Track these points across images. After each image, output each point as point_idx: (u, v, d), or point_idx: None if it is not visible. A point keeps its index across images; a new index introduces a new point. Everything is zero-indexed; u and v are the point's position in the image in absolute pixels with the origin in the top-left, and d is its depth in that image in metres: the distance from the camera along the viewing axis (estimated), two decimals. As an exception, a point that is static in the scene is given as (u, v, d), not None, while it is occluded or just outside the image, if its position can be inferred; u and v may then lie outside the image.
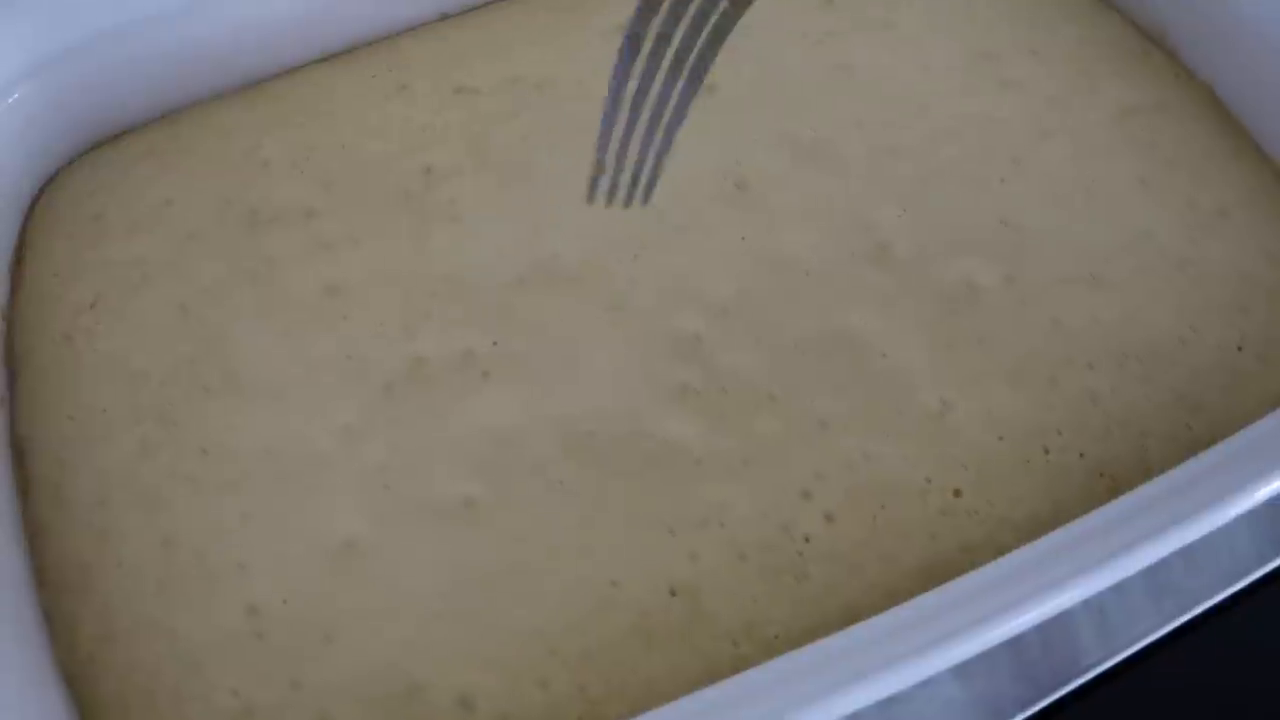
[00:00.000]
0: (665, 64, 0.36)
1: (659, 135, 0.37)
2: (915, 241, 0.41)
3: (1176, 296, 0.39)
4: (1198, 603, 0.41)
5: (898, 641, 0.30)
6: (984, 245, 0.41)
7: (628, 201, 0.38)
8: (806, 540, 0.36)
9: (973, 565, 0.33)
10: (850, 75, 0.46)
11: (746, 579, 0.35)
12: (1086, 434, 0.37)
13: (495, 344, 0.39)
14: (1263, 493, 0.32)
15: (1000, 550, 0.34)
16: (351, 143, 0.45)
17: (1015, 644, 0.39)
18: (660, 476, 0.37)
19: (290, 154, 0.45)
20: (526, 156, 0.44)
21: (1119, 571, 0.31)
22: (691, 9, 0.35)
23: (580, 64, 0.47)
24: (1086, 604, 0.33)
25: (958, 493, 0.36)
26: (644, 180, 0.38)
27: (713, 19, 0.36)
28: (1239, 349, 0.38)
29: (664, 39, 0.35)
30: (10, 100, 0.44)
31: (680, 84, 0.36)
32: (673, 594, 0.35)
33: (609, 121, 0.37)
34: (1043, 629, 0.32)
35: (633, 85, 0.36)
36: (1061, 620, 0.36)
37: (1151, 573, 0.40)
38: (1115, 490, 0.36)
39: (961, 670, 0.39)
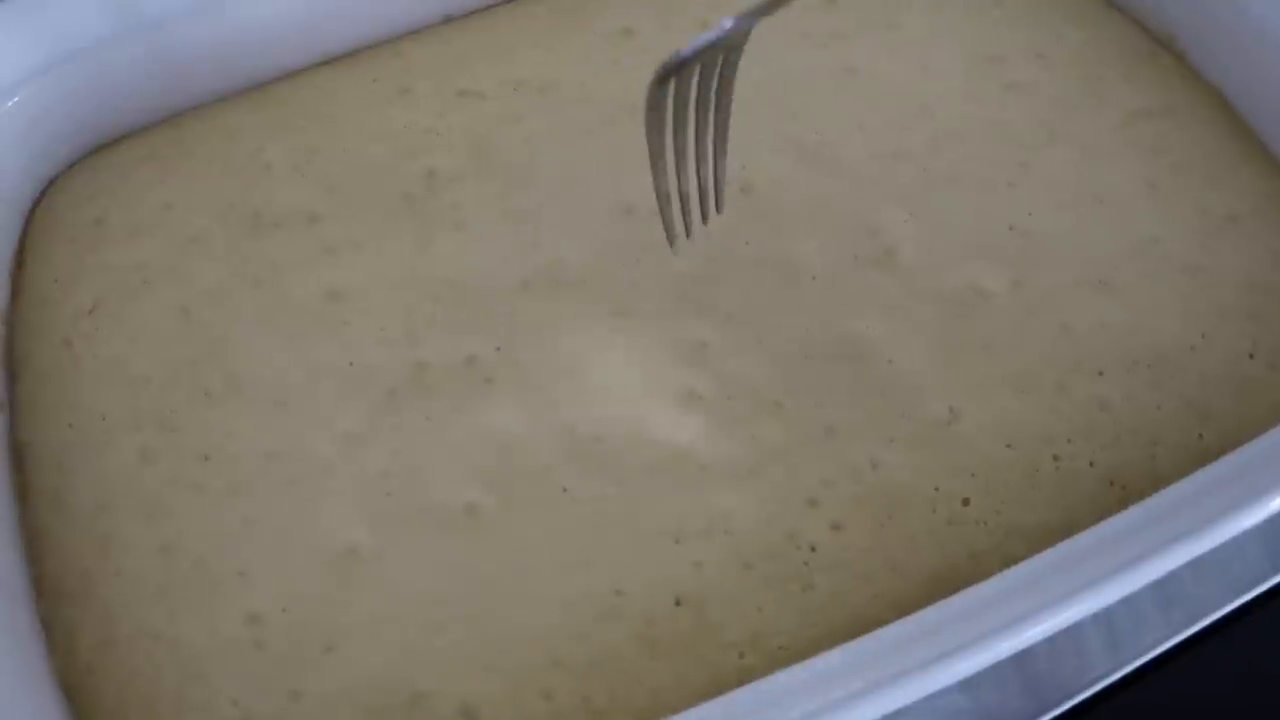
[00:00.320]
0: (693, 108, 0.36)
1: (709, 166, 0.38)
2: (921, 246, 0.40)
3: (1186, 303, 0.39)
4: (1207, 614, 0.40)
5: (905, 655, 0.30)
6: (991, 250, 0.40)
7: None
8: (813, 549, 0.35)
9: (981, 575, 0.33)
10: (854, 78, 0.45)
11: (752, 588, 0.35)
12: (1096, 442, 0.37)
13: (498, 350, 0.39)
14: (1275, 504, 0.32)
15: (1009, 560, 0.34)
16: (354, 146, 0.45)
17: (1022, 656, 0.38)
18: (665, 484, 0.36)
19: (292, 157, 0.45)
20: (529, 160, 0.44)
21: (1129, 585, 0.31)
22: (702, 66, 0.35)
23: (583, 66, 0.46)
24: (1094, 615, 0.32)
25: (966, 501, 0.36)
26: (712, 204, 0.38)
27: (719, 64, 0.36)
28: (1250, 356, 0.38)
29: (684, 95, 0.35)
30: (11, 103, 0.44)
31: (712, 114, 0.37)
32: (677, 603, 0.35)
33: (662, 176, 0.37)
34: (1050, 640, 0.31)
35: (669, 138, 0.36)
36: (1069, 631, 0.36)
37: (1160, 583, 0.39)
38: (1125, 499, 0.35)
39: (968, 682, 0.39)
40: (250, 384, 0.39)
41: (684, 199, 0.37)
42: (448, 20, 0.49)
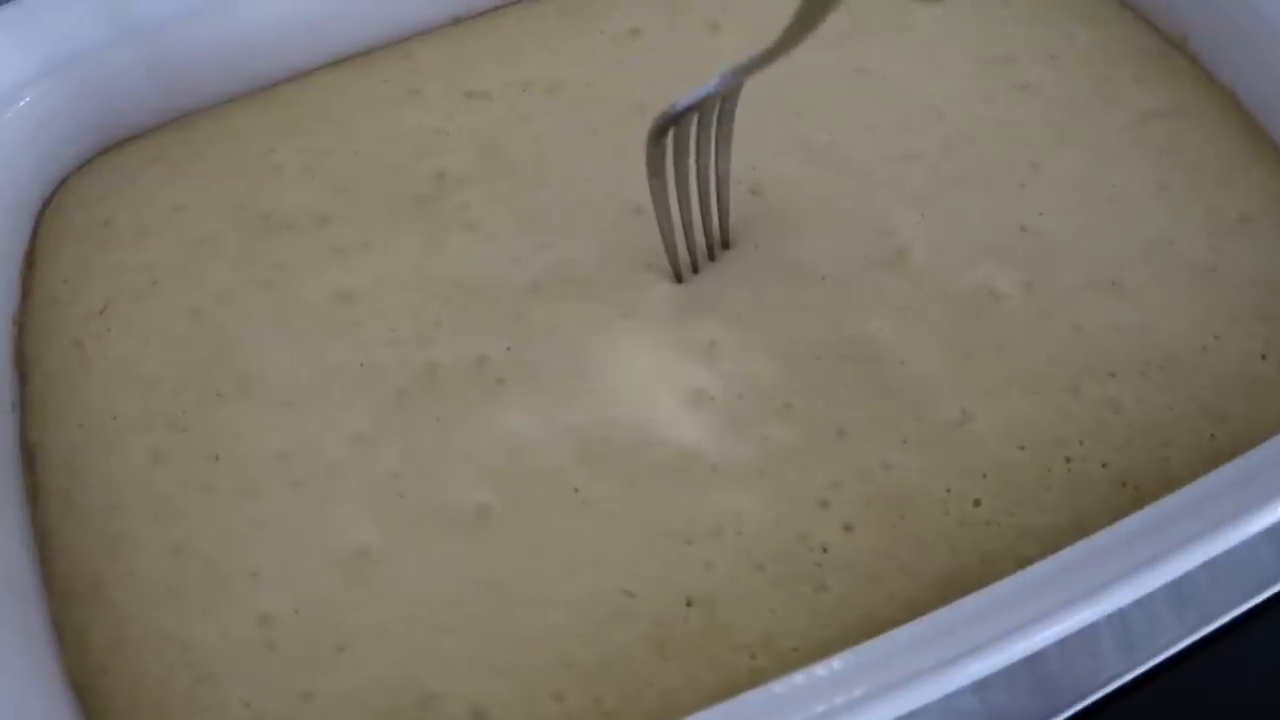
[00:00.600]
0: (693, 148, 0.38)
1: (712, 205, 0.39)
2: (933, 247, 0.40)
3: (1198, 304, 0.39)
4: (1221, 614, 0.40)
5: (918, 656, 0.30)
6: (1003, 251, 0.40)
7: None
8: (824, 550, 0.35)
9: (993, 576, 0.33)
10: (865, 79, 0.45)
11: (763, 589, 0.35)
12: (1108, 443, 0.36)
13: (509, 350, 0.39)
14: (1289, 505, 0.32)
15: (1021, 561, 0.34)
16: (363, 147, 0.45)
17: (1035, 656, 0.38)
18: (676, 485, 0.36)
19: (302, 159, 0.45)
20: (538, 160, 0.44)
21: (1142, 587, 0.30)
22: (700, 114, 0.37)
23: (590, 67, 0.46)
24: (1107, 616, 0.32)
25: (978, 503, 0.36)
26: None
27: (716, 110, 0.37)
28: (1262, 357, 0.38)
29: (685, 139, 0.37)
30: (21, 104, 0.44)
31: (714, 151, 0.38)
32: (689, 604, 0.35)
33: (666, 219, 0.39)
34: (1063, 641, 0.31)
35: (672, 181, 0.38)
36: (1082, 632, 0.36)
37: (1174, 584, 0.39)
38: (1138, 500, 0.35)
39: (980, 683, 0.38)
40: (260, 385, 0.39)
41: (689, 233, 0.39)
42: (456, 21, 0.49)
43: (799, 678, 0.31)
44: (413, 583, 0.35)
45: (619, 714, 0.33)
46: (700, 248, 0.40)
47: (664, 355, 0.39)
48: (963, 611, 0.32)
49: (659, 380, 0.38)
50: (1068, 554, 0.32)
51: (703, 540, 0.35)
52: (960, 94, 0.45)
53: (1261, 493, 0.32)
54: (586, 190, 0.43)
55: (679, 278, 0.40)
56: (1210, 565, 0.38)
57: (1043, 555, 0.33)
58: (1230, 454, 0.35)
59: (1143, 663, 0.40)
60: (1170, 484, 0.35)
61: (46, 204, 0.45)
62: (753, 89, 0.45)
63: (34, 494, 0.38)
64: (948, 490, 0.36)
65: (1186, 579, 0.39)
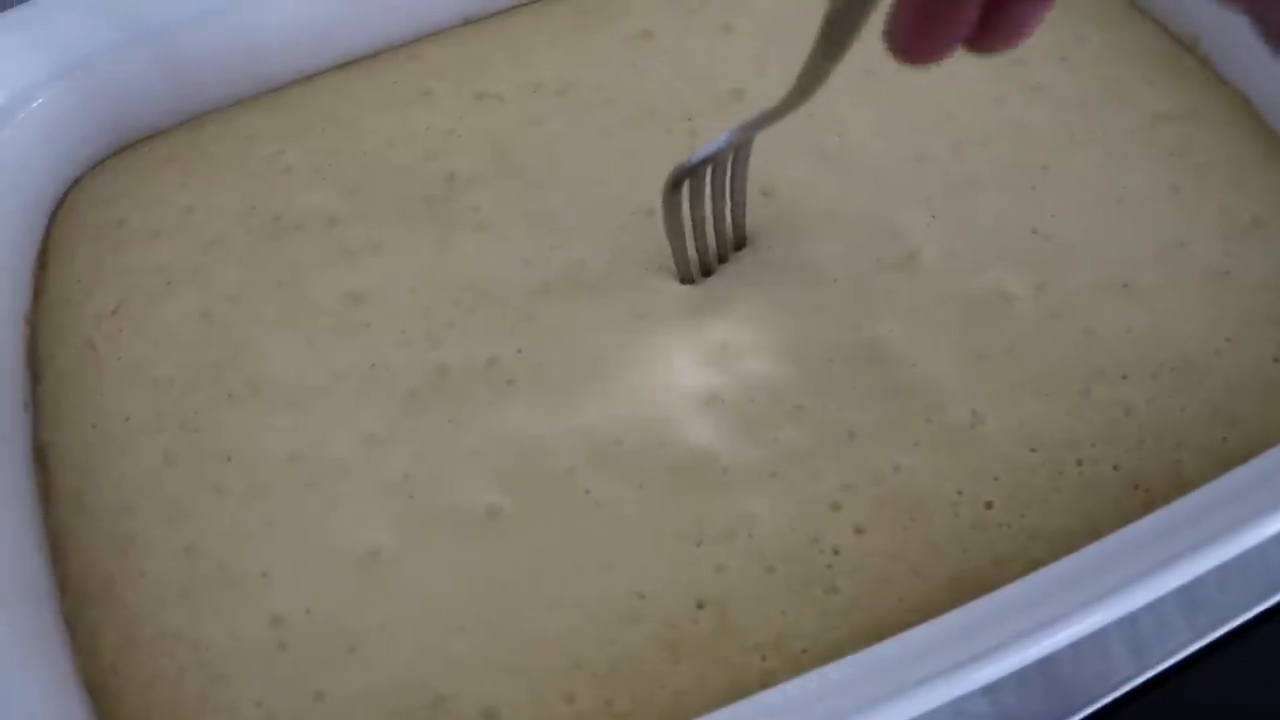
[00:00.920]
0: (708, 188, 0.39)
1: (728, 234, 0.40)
2: (944, 249, 0.40)
3: (1211, 307, 0.39)
4: (1232, 618, 0.40)
5: (929, 659, 0.30)
6: (1014, 254, 0.40)
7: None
8: (835, 552, 0.35)
9: (1004, 579, 0.33)
10: (876, 81, 0.45)
11: (774, 591, 0.35)
12: (1120, 446, 0.36)
13: (520, 352, 0.39)
14: (1302, 509, 0.32)
15: (1032, 564, 0.34)
16: (374, 149, 0.45)
17: (1045, 660, 0.38)
18: (687, 487, 0.36)
19: (313, 160, 0.45)
20: (549, 162, 0.44)
21: (1154, 591, 0.30)
22: (715, 163, 0.38)
23: (602, 68, 0.46)
24: (1118, 619, 0.32)
25: (989, 505, 0.36)
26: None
27: (730, 159, 0.38)
28: (1275, 360, 0.38)
29: (700, 187, 0.38)
30: (34, 105, 0.44)
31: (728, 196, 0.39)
32: (700, 606, 0.35)
33: (682, 258, 0.40)
34: (1074, 644, 0.31)
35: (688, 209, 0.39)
36: (1093, 635, 0.36)
37: (1185, 588, 0.39)
38: (1149, 504, 0.35)
39: (991, 686, 0.38)
40: (271, 386, 0.39)
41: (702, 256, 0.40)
42: (466, 23, 0.49)
43: (810, 680, 0.31)
44: (424, 583, 0.35)
45: (630, 715, 0.33)
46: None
47: (675, 357, 0.39)
48: (973, 614, 0.32)
49: (670, 382, 0.38)
50: (1079, 557, 0.32)
51: (714, 542, 0.35)
52: (971, 96, 0.44)
53: (1274, 496, 0.32)
54: (598, 192, 0.43)
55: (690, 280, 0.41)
56: (1221, 569, 0.38)
57: (1054, 558, 0.33)
58: (1243, 457, 0.35)
59: (1153, 666, 0.39)
60: (1182, 487, 0.35)
61: (59, 204, 0.46)
62: (762, 90, 0.45)
63: (46, 494, 0.38)
64: (959, 492, 0.36)
65: (1197, 583, 0.39)
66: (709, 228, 0.39)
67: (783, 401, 0.38)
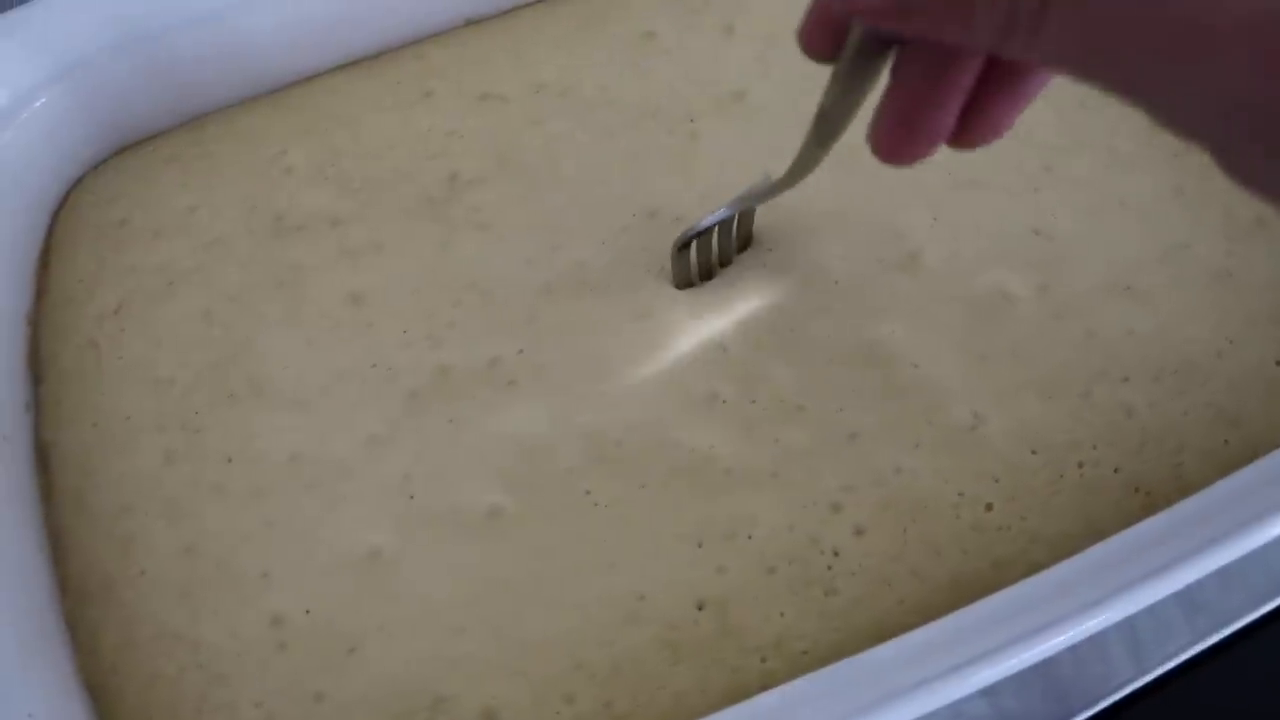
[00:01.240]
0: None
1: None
2: (946, 250, 0.40)
3: (1213, 308, 0.39)
4: (1232, 621, 0.40)
5: (928, 662, 0.30)
6: (1016, 255, 0.40)
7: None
8: (836, 554, 0.35)
9: (1004, 581, 0.33)
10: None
11: (775, 593, 0.35)
12: (1121, 449, 0.36)
13: (521, 352, 0.39)
14: (1304, 512, 0.31)
15: (1032, 567, 0.33)
16: (376, 149, 0.45)
17: (1045, 662, 0.38)
18: (688, 488, 0.36)
19: (315, 160, 0.45)
20: (551, 163, 0.44)
21: (1154, 594, 0.30)
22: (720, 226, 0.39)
23: (604, 69, 0.46)
24: (1118, 622, 0.32)
25: (989, 507, 0.36)
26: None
27: (734, 224, 0.40)
28: (1277, 362, 0.38)
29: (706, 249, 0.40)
30: (36, 105, 0.44)
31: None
32: (700, 607, 0.34)
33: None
34: (1073, 647, 0.31)
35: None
36: (1093, 638, 0.36)
37: (1185, 590, 0.39)
38: (1150, 506, 0.35)
39: (990, 688, 0.38)
40: (273, 386, 0.39)
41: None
42: (469, 23, 0.49)
43: (809, 681, 0.31)
44: (424, 584, 0.35)
45: (630, 717, 0.33)
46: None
47: (677, 358, 0.39)
48: (973, 616, 0.32)
49: (671, 383, 0.38)
50: (1079, 559, 0.32)
51: (714, 543, 0.35)
52: (974, 97, 0.44)
53: (1276, 499, 0.32)
54: (600, 193, 0.43)
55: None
56: (1222, 572, 0.38)
57: (1054, 560, 0.33)
58: (1245, 460, 0.35)
59: (1153, 669, 0.39)
60: (1183, 489, 0.35)
61: (62, 204, 0.46)
62: (764, 91, 0.45)
63: (47, 493, 0.38)
64: (960, 494, 0.36)
65: (1198, 585, 0.39)
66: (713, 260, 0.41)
67: (784, 402, 0.38)
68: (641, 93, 0.45)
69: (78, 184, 0.46)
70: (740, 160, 0.42)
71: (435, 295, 0.41)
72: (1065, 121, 0.43)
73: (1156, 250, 0.40)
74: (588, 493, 0.36)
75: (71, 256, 0.44)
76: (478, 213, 0.43)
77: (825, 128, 0.30)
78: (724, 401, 0.38)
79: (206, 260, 0.42)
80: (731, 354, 0.39)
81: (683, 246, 0.39)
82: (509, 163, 0.44)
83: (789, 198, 0.42)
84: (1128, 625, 0.40)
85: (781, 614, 0.34)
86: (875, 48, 0.26)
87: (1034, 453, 0.36)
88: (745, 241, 0.41)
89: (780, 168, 0.43)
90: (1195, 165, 0.42)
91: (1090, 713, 0.39)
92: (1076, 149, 0.42)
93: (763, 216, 0.41)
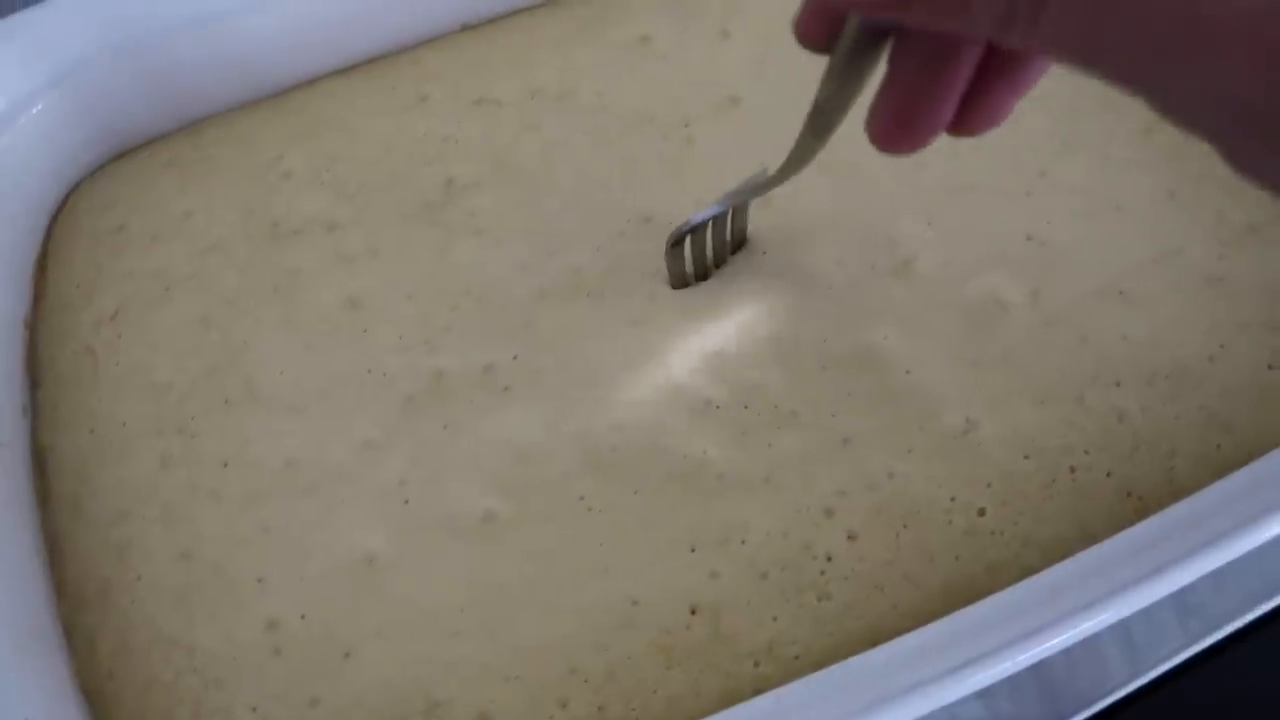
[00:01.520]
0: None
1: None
2: (940, 256, 0.40)
3: (1206, 313, 0.39)
4: (1225, 624, 0.40)
5: (922, 665, 0.30)
6: (1010, 260, 0.40)
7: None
8: (829, 559, 0.35)
9: (997, 585, 0.33)
10: (872, 86, 0.45)
11: (768, 598, 0.35)
12: (1113, 453, 0.36)
13: (516, 358, 0.39)
14: (1295, 516, 0.32)
15: (1025, 571, 0.34)
16: (372, 154, 0.45)
17: (1039, 665, 0.39)
18: (682, 493, 0.36)
19: (312, 165, 0.45)
20: (547, 168, 0.44)
21: (1147, 597, 0.30)
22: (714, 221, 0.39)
23: (600, 75, 0.46)
24: (1112, 625, 0.32)
25: (982, 512, 0.36)
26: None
27: (729, 219, 0.39)
28: (1269, 366, 0.38)
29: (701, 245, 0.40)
30: (33, 111, 0.44)
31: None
32: (693, 612, 0.35)
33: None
34: (1068, 650, 0.31)
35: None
36: (1087, 641, 0.36)
37: (1178, 593, 0.39)
38: (1143, 511, 0.35)
39: (985, 691, 0.39)
40: (269, 391, 0.39)
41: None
42: (465, 28, 0.49)
43: (802, 685, 0.31)
44: (419, 589, 0.35)
45: (623, 721, 0.33)
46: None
47: (671, 364, 0.39)
48: (967, 620, 0.32)
49: (666, 389, 0.38)
50: (1073, 563, 0.33)
51: (708, 548, 0.36)
52: (968, 102, 0.44)
53: (1268, 503, 0.32)
54: (596, 198, 0.43)
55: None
56: (1215, 575, 0.38)
57: (1047, 565, 0.33)
58: (1237, 464, 0.35)
59: (1147, 672, 0.40)
60: (1176, 494, 0.35)
61: (59, 209, 0.46)
62: (759, 96, 0.45)
63: (44, 498, 0.39)
64: (952, 499, 0.36)
65: (1191, 588, 0.39)
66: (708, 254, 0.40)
67: (777, 408, 0.38)
68: (637, 98, 0.46)
69: (75, 189, 0.46)
70: (736, 165, 0.42)
71: (431, 300, 0.41)
72: (1058, 126, 0.43)
73: (1149, 255, 0.40)
74: (582, 498, 0.36)
75: (69, 262, 0.44)
76: (474, 218, 0.43)
77: (821, 120, 0.30)
78: (718, 407, 0.38)
79: (203, 265, 0.42)
80: (725, 360, 0.39)
81: (676, 243, 0.39)
82: (505, 168, 0.44)
83: (784, 203, 0.42)
84: (1122, 628, 0.40)
85: (774, 619, 0.34)
86: (872, 38, 0.25)
87: (1027, 457, 0.36)
88: (740, 240, 0.41)
89: (775, 165, 0.43)
90: (1188, 170, 0.42)
91: (1085, 715, 0.39)
92: (1070, 154, 0.43)
93: (757, 221, 0.41)
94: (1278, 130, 0.19)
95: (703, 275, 0.41)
